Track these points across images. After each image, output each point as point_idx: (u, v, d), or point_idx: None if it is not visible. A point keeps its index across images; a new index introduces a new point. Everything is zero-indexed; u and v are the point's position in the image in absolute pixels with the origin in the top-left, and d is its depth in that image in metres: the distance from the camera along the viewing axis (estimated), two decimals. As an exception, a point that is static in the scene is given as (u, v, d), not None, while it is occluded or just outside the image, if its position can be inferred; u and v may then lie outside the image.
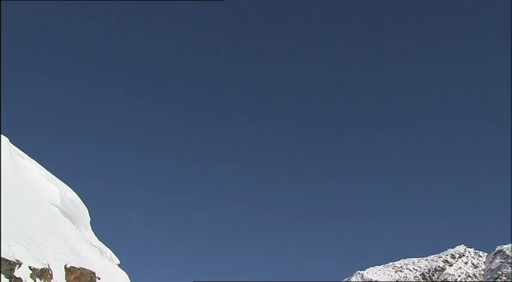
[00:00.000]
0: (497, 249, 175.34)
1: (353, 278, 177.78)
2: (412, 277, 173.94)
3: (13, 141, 18.76)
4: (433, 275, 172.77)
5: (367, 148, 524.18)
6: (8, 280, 11.16)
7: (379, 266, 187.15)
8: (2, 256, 11.19)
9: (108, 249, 24.34)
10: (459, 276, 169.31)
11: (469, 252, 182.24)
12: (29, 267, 12.37)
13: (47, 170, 21.67)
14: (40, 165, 21.33)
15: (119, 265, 24.46)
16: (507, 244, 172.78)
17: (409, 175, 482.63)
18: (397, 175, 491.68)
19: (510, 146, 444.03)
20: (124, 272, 22.87)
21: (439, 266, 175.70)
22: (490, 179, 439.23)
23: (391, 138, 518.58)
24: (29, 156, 20.82)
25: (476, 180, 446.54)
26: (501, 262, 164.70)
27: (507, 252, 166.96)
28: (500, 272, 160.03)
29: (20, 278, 11.60)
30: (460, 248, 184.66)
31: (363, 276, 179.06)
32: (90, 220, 23.34)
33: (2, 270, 10.98)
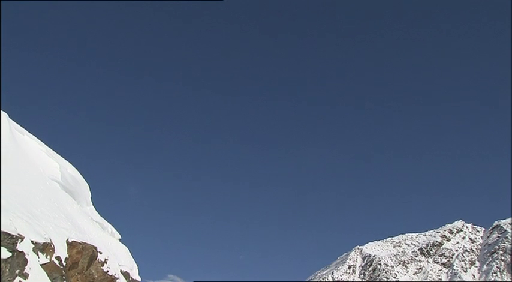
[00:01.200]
0: (494, 224, 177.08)
1: (352, 253, 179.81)
2: (410, 252, 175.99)
3: (12, 116, 18.73)
4: (431, 250, 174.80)
5: (365, 124, 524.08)
6: (10, 254, 11.24)
7: (378, 241, 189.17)
8: (4, 230, 11.25)
9: (109, 225, 24.50)
10: (456, 250, 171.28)
11: (466, 227, 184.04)
12: (31, 241, 12.46)
13: (47, 145, 21.66)
14: (40, 141, 21.31)
15: (120, 240, 24.66)
16: (505, 219, 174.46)
17: (408, 151, 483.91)
18: (396, 151, 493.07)
19: (510, 121, 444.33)
20: (125, 247, 23.07)
21: (437, 241, 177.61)
22: (489, 154, 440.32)
23: (388, 114, 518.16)
24: (29, 131, 20.79)
25: (475, 156, 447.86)
26: (498, 237, 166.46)
27: (504, 227, 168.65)
28: (497, 247, 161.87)
29: (22, 251, 11.69)
30: (458, 224, 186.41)
31: (362, 251, 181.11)
32: (91, 196, 23.46)
33: (4, 244, 11.05)
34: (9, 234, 11.51)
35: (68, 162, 21.73)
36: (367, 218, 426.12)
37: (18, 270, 11.59)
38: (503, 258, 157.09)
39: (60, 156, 21.62)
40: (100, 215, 24.64)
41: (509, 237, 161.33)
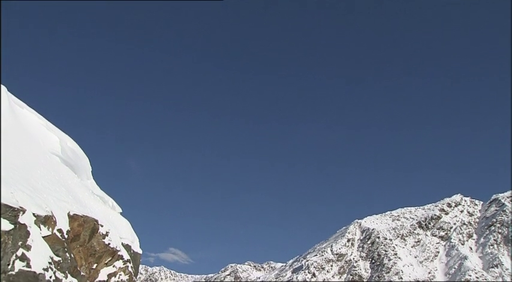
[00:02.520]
0: (493, 197, 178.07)
1: (351, 227, 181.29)
2: (408, 225, 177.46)
3: (11, 90, 18.54)
4: (429, 223, 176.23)
5: (364, 98, 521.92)
6: (13, 226, 11.32)
7: (377, 215, 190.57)
8: (5, 203, 11.30)
9: (110, 198, 24.57)
10: (454, 224, 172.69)
11: (465, 201, 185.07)
12: (33, 214, 12.52)
13: (47, 119, 21.56)
14: (39, 115, 21.20)
15: (121, 214, 24.78)
16: (503, 193, 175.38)
17: (408, 125, 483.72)
18: (395, 125, 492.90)
19: (510, 96, 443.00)
20: (126, 220, 23.20)
21: (435, 215, 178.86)
22: (488, 129, 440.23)
23: (389, 88, 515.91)
24: (28, 105, 20.67)
25: (474, 130, 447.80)
26: (496, 210, 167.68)
27: (502, 200, 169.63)
28: (494, 220, 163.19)
29: (24, 224, 11.76)
30: (457, 197, 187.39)
31: (360, 225, 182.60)
32: (91, 170, 23.49)
33: (6, 216, 11.12)
34: (11, 207, 11.55)
35: (67, 136, 21.68)
36: (367, 192, 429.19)
37: (20, 242, 11.69)
38: (500, 231, 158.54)
39: (59, 130, 21.55)
40: (101, 188, 24.68)
41: (507, 211, 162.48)
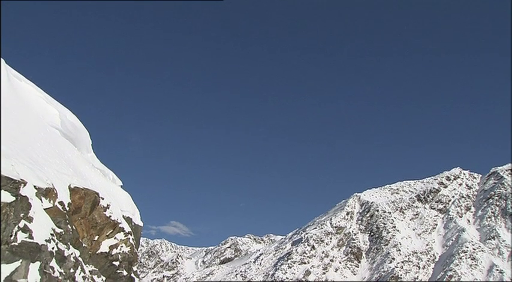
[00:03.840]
0: (491, 170, 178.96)
1: (350, 200, 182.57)
2: (407, 198, 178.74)
3: (9, 62, 18.40)
4: (428, 196, 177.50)
5: (364, 71, 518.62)
6: (14, 198, 11.40)
7: (376, 189, 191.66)
8: (6, 175, 11.35)
9: (111, 172, 24.66)
10: (453, 197, 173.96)
11: (464, 174, 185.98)
12: (34, 186, 12.59)
13: (45, 92, 21.46)
14: (38, 88, 21.08)
15: (121, 187, 24.89)
16: (502, 166, 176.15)
17: (407, 98, 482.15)
18: (395, 98, 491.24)
19: (510, 60, 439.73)
20: (127, 193, 23.32)
21: (434, 188, 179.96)
22: (488, 101, 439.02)
23: (389, 61, 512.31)
24: (26, 78, 20.52)
25: (475, 103, 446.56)
26: (495, 183, 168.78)
27: (501, 173, 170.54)
28: (493, 193, 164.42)
29: (25, 196, 11.84)
30: (456, 171, 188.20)
31: (360, 198, 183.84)
32: (91, 143, 23.49)
33: (7, 188, 11.19)
34: (12, 179, 11.61)
35: (67, 109, 21.62)
36: (366, 165, 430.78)
37: (22, 214, 11.79)
38: (498, 203, 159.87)
39: (58, 103, 21.47)
40: (101, 162, 24.72)
41: (506, 184, 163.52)
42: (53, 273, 11.71)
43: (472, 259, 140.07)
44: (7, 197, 11.21)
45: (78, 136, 21.74)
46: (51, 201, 13.78)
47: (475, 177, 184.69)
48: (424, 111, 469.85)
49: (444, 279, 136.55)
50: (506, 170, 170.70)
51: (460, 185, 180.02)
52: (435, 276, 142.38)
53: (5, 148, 12.26)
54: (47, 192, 13.62)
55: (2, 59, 16.01)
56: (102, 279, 16.34)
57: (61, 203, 14.63)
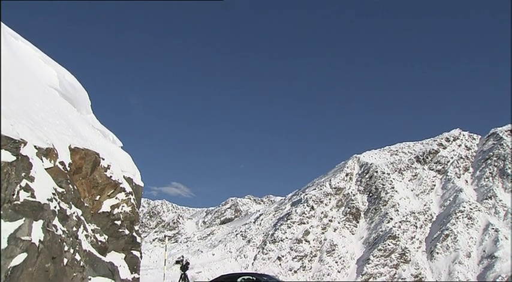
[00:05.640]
0: (491, 131, 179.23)
1: (350, 162, 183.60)
2: (406, 160, 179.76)
3: (4, 21, 18.03)
4: (427, 158, 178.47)
5: (365, 32, 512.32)
6: (14, 158, 11.43)
7: (376, 150, 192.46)
8: (6, 135, 11.35)
9: (111, 133, 24.62)
10: (452, 158, 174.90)
11: (463, 135, 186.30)
12: (34, 146, 12.59)
13: (43, 52, 21.16)
14: (35, 47, 20.77)
15: (122, 148, 24.91)
16: (501, 127, 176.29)
17: (407, 59, 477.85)
18: (394, 59, 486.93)
19: (509, 20, 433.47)
20: (127, 154, 23.35)
21: (433, 149, 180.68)
22: (489, 62, 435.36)
23: (388, 22, 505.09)
24: (22, 37, 20.18)
25: (474, 63, 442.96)
26: (494, 144, 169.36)
27: (500, 134, 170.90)
28: (491, 153, 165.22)
29: (26, 156, 11.86)
30: (455, 132, 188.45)
31: (359, 159, 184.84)
32: (90, 104, 23.34)
33: (8, 148, 11.20)
34: (12, 139, 11.60)
35: (65, 69, 21.37)
36: (366, 127, 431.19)
37: (24, 174, 11.84)
38: (496, 164, 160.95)
39: (56, 63, 21.20)
40: (101, 123, 24.64)
41: (504, 144, 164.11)
42: (56, 231, 11.87)
43: (468, 218, 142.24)
44: (8, 157, 11.23)
45: (77, 97, 21.58)
46: (52, 161, 13.82)
47: (475, 138, 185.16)
48: (425, 72, 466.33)
49: (440, 238, 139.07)
50: (506, 131, 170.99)
51: (459, 146, 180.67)
52: (432, 235, 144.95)
53: (5, 108, 12.20)
54: (48, 152, 13.64)
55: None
56: (105, 238, 16.60)
57: (62, 163, 14.67)
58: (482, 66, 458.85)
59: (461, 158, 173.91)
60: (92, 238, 15.45)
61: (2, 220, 9.92)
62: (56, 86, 20.30)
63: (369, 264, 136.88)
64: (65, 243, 12.03)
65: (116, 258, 16.77)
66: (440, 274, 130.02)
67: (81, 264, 12.90)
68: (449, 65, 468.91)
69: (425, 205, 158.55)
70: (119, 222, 18.70)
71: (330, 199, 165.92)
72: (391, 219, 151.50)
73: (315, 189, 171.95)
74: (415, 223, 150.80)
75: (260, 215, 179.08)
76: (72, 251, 12.48)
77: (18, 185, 11.44)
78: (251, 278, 20.98)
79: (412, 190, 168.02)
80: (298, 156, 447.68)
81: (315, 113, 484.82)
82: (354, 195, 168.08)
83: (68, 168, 15.16)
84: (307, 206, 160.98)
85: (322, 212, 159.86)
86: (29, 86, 16.67)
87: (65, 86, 20.72)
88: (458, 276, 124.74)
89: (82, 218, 14.50)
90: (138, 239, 19.05)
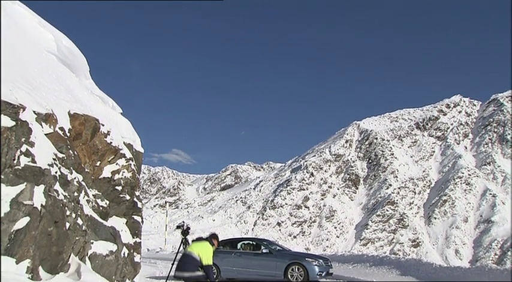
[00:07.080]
0: (491, 97, 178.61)
1: (350, 128, 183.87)
2: (406, 126, 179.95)
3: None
4: (427, 124, 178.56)
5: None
6: (14, 123, 11.36)
7: (376, 117, 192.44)
8: (5, 100, 11.24)
9: (110, 99, 24.41)
10: (451, 124, 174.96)
11: (464, 101, 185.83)
12: (33, 111, 12.50)
13: (40, 16, 20.78)
14: (31, 11, 20.39)
15: (122, 114, 24.76)
16: (502, 92, 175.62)
17: (408, 26, 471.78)
18: (395, 26, 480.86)
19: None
20: (127, 120, 23.24)
21: (433, 116, 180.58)
22: (489, 28, 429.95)
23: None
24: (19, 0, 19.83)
25: (475, 29, 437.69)
26: (494, 110, 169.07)
27: (501, 100, 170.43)
28: (491, 119, 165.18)
29: (25, 121, 11.79)
30: (456, 98, 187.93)
31: (359, 126, 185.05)
32: (89, 69, 23.06)
33: (7, 113, 11.12)
34: (11, 104, 11.52)
35: (62, 34, 21.05)
36: (366, 94, 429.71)
37: (23, 139, 11.79)
38: (496, 130, 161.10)
39: (54, 28, 20.86)
40: (100, 89, 24.46)
41: (505, 110, 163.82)
42: (58, 196, 11.91)
43: (466, 184, 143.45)
44: (7, 122, 11.16)
45: (76, 62, 21.29)
46: (52, 127, 13.74)
47: (475, 105, 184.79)
48: (425, 38, 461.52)
49: (438, 204, 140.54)
50: (507, 97, 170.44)
51: (460, 112, 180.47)
52: (430, 201, 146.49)
53: (2, 73, 12.06)
54: (47, 118, 13.55)
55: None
56: (106, 203, 16.70)
57: (61, 128, 14.59)
58: (483, 32, 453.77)
59: (461, 124, 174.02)
60: (94, 203, 15.53)
61: (3, 184, 9.94)
62: (54, 51, 20.00)
63: (367, 229, 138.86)
64: (66, 208, 12.10)
65: (117, 223, 16.89)
66: (437, 239, 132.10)
67: (83, 229, 13.01)
68: (450, 30, 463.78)
69: (424, 171, 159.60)
70: (119, 188, 18.75)
71: (329, 166, 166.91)
72: (390, 185, 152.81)
73: (315, 155, 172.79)
74: (414, 189, 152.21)
75: (260, 181, 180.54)
76: (74, 215, 12.57)
77: (19, 150, 11.41)
78: (251, 242, 21.27)
79: (411, 156, 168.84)
80: (298, 123, 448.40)
81: (315, 79, 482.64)
82: (353, 161, 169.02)
83: (68, 134, 15.09)
84: (306, 172, 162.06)
85: (321, 179, 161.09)
86: (27, 51, 16.44)
87: (63, 51, 20.43)
88: (454, 240, 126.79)
89: (83, 183, 14.53)
90: (139, 205, 19.16)
